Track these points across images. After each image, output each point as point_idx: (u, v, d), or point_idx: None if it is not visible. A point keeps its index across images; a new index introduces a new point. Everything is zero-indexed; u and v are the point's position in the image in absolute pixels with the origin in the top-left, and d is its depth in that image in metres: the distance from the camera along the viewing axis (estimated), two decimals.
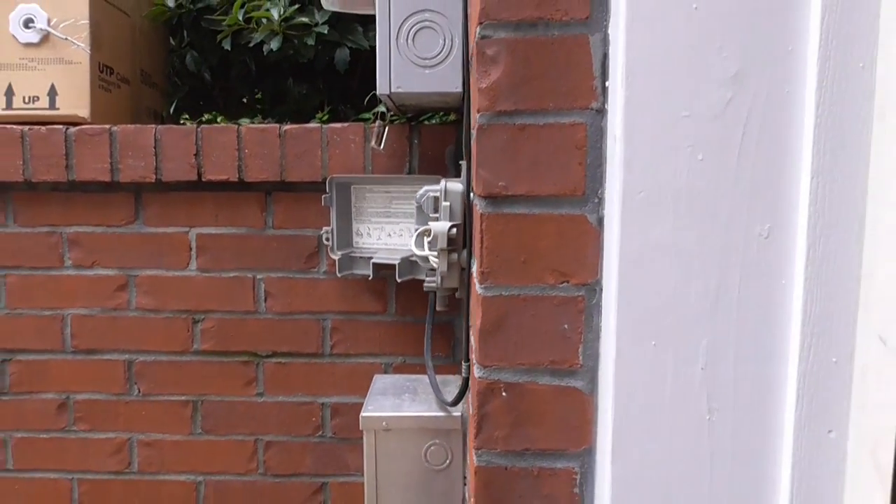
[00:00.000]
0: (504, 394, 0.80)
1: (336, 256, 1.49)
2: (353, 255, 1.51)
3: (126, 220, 1.54)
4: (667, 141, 0.71)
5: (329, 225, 1.50)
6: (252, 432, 1.59)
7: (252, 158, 1.49)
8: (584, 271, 0.78)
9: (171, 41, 2.04)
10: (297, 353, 1.57)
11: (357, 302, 1.55)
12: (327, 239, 1.50)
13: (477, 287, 0.80)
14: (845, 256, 0.70)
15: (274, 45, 1.73)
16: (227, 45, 1.85)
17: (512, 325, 0.79)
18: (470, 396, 0.92)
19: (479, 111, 0.77)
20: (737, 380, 0.73)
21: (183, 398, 1.59)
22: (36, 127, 1.50)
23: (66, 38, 1.52)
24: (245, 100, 2.11)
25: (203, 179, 1.50)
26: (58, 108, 1.55)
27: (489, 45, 0.76)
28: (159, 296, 1.56)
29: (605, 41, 0.75)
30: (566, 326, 0.78)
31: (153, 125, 1.49)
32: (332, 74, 1.92)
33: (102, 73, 1.61)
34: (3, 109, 1.55)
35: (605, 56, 0.75)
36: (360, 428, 1.16)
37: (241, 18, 1.73)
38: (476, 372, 0.81)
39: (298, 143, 1.49)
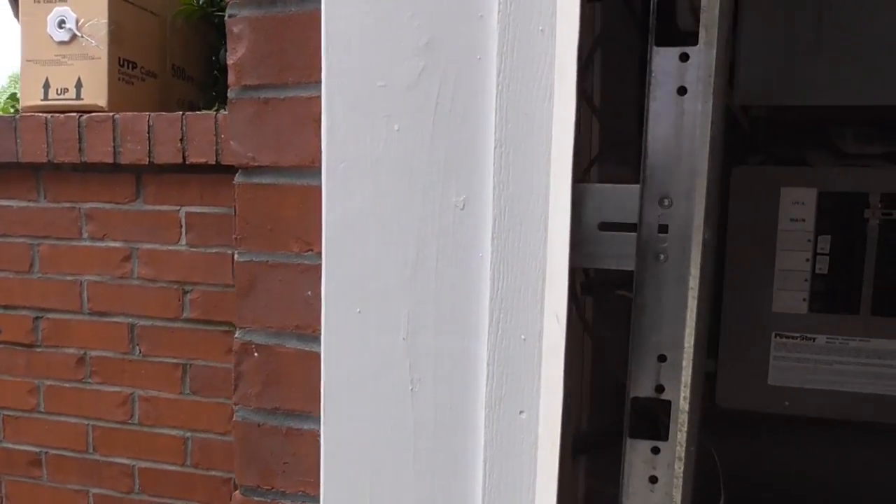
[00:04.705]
0: (256, 354, 0.84)
1: None
2: None
3: (129, 199, 1.73)
4: (365, 111, 0.72)
5: None
6: (230, 396, 1.72)
7: (228, 143, 1.61)
8: None
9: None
10: None
11: None
12: None
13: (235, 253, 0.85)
14: (530, 230, 0.67)
15: None
16: None
17: (262, 289, 0.83)
18: None
19: (229, 86, 0.81)
20: (437, 352, 0.72)
21: (174, 361, 1.76)
22: (57, 114, 1.72)
23: (83, 37, 1.73)
24: None
25: (187, 162, 1.64)
26: (82, 99, 1.78)
27: (235, 23, 0.80)
28: (156, 267, 1.74)
29: None
30: (309, 293, 0.81)
31: (147, 113, 1.66)
32: None
33: (123, 67, 1.81)
34: (41, 100, 1.80)
35: None
36: None
37: None
38: (236, 332, 0.85)
39: None
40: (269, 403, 0.84)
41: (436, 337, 0.72)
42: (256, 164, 0.81)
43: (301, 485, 0.83)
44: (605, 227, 0.72)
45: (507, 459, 0.70)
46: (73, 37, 1.77)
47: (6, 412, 1.90)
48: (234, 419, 0.86)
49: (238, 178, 0.82)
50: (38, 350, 1.85)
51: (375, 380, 0.75)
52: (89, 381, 1.82)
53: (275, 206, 0.81)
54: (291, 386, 0.83)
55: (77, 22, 1.76)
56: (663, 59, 0.67)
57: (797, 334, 1.23)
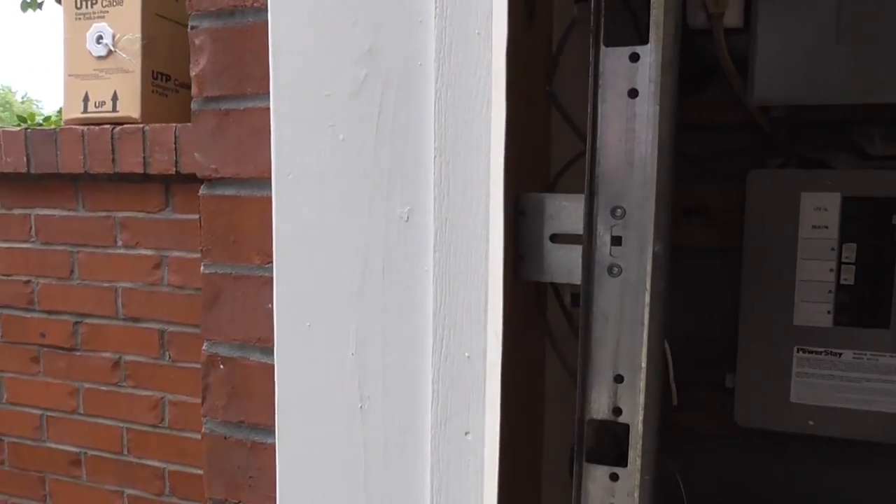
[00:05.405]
0: (222, 366, 0.83)
1: None
2: None
3: (159, 208, 1.77)
4: (311, 121, 0.70)
5: None
6: None
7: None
8: None
9: None
10: None
11: None
12: None
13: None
14: (471, 243, 0.64)
15: None
16: None
17: (227, 301, 0.82)
18: None
19: (192, 98, 0.81)
20: (385, 369, 0.70)
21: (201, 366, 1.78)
22: (92, 127, 1.78)
23: (118, 51, 1.79)
24: None
25: None
26: (118, 111, 1.83)
27: (197, 34, 0.80)
28: (184, 274, 1.77)
29: None
30: (270, 306, 0.80)
31: (173, 124, 1.70)
32: None
33: (157, 80, 1.86)
34: (81, 113, 1.86)
35: None
36: None
37: None
38: (203, 344, 0.85)
39: None
40: (234, 416, 0.83)
41: (384, 353, 0.70)
42: (219, 175, 0.81)
43: (266, 499, 0.82)
44: (558, 238, 0.69)
45: (454, 482, 0.67)
46: (110, 52, 1.83)
47: (49, 413, 1.97)
48: (202, 431, 0.85)
49: (202, 190, 0.82)
50: (78, 354, 1.91)
51: (326, 396, 0.73)
52: (123, 384, 1.87)
53: (237, 218, 0.81)
54: (255, 399, 0.82)
55: (113, 37, 1.82)
56: (612, 60, 0.63)
57: (821, 349, 1.15)
